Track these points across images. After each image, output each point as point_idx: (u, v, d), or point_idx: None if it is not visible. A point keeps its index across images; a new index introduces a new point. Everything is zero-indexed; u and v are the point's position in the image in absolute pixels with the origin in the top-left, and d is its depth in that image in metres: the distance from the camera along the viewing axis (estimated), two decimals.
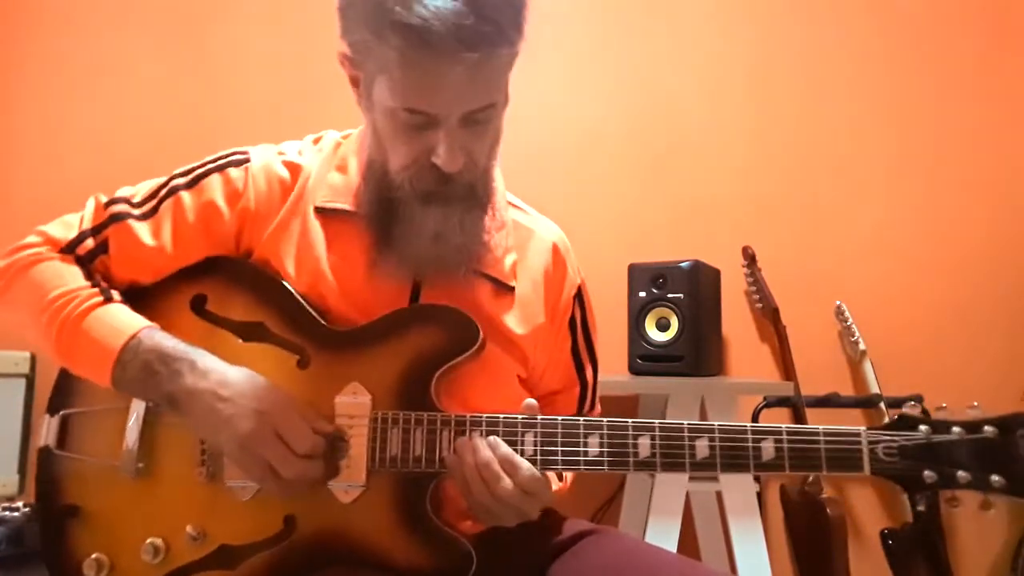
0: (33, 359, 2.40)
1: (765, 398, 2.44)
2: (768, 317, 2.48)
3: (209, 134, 2.61)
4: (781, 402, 2.42)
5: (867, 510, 2.49)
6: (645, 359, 2.17)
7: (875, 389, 2.43)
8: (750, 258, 2.52)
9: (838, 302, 2.52)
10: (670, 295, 2.16)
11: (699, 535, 2.30)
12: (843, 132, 2.65)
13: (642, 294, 2.19)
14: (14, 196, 2.62)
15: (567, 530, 1.24)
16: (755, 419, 2.43)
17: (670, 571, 1.12)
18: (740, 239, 2.55)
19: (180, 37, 2.75)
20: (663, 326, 2.17)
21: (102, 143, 2.67)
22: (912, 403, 1.05)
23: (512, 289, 1.23)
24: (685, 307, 2.15)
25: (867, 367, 2.45)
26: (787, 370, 2.41)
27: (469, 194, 1.12)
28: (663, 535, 1.97)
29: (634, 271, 2.22)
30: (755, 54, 2.69)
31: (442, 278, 1.16)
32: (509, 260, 1.25)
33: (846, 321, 2.50)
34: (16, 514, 1.94)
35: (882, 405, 2.40)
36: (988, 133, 2.61)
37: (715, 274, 2.37)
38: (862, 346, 2.47)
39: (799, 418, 2.35)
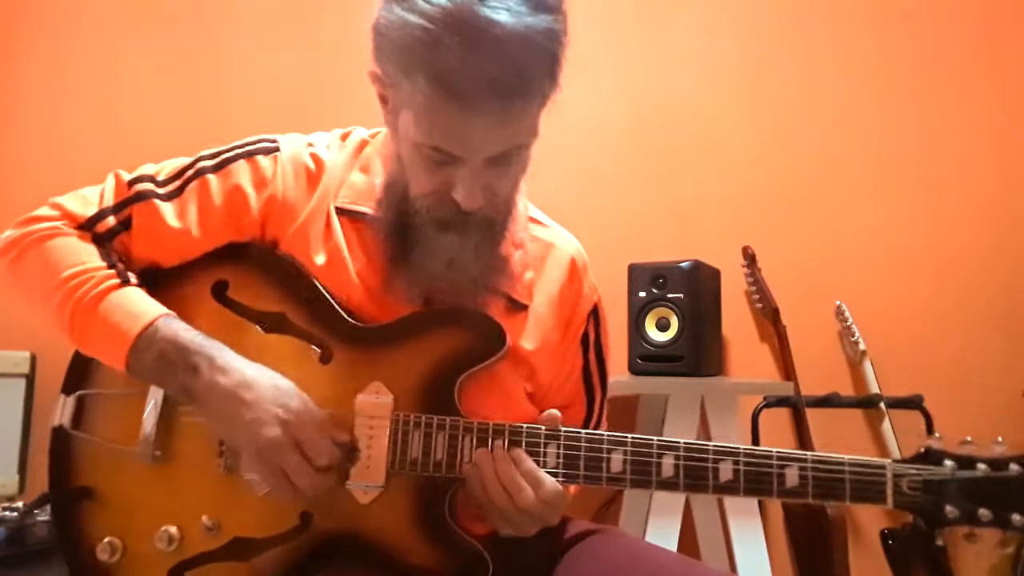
0: (33, 359, 2.39)
1: (765, 398, 2.44)
2: (768, 317, 2.49)
3: (210, 134, 2.58)
4: (781, 402, 2.42)
5: (867, 510, 2.48)
6: (645, 359, 2.17)
7: (875, 389, 2.43)
8: (750, 258, 2.52)
9: (838, 302, 2.52)
10: (670, 295, 2.16)
11: (699, 535, 2.30)
12: (842, 132, 2.65)
13: (642, 294, 2.19)
14: (15, 197, 2.61)
15: (569, 530, 1.24)
16: (755, 419, 2.43)
17: (671, 571, 1.12)
18: (740, 239, 2.55)
19: (181, 37, 2.75)
20: (663, 326, 2.17)
21: (103, 143, 2.66)
22: (937, 436, 1.04)
23: (526, 307, 1.21)
24: (685, 307, 2.14)
25: (867, 367, 2.46)
26: (787, 370, 2.41)
27: (487, 225, 1.10)
28: (663, 535, 1.98)
29: (634, 271, 2.22)
30: (755, 55, 2.70)
31: (452, 300, 1.14)
32: (526, 278, 1.22)
33: (846, 321, 2.50)
34: (16, 514, 1.93)
35: (882, 405, 2.41)
36: (986, 132, 2.62)
37: (715, 274, 2.37)
38: (862, 346, 2.47)
39: (799, 418, 2.35)
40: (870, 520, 2.47)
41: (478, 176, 1.02)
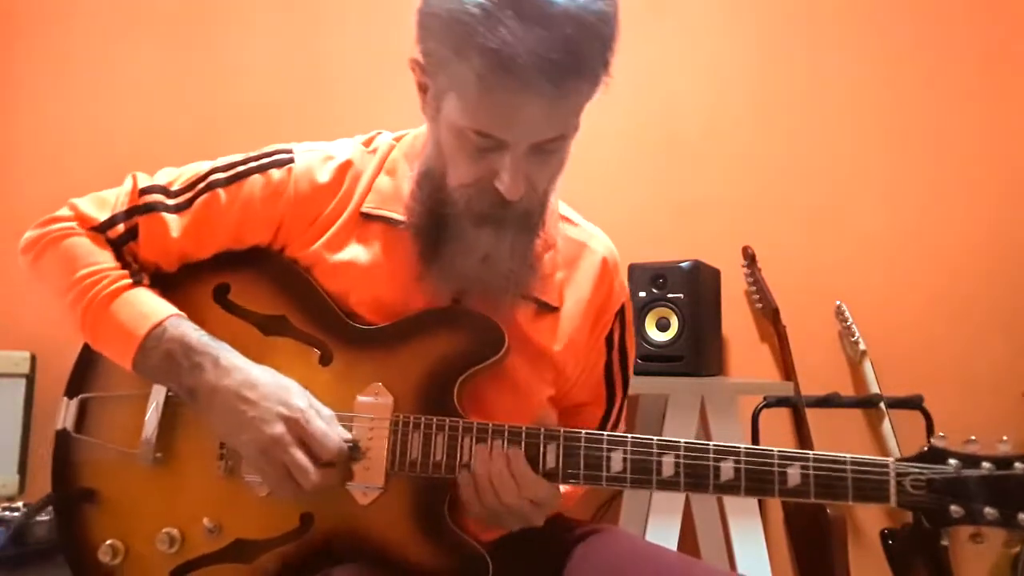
0: (33, 359, 2.39)
1: (765, 398, 2.44)
2: (768, 317, 2.49)
3: (212, 135, 2.60)
4: (781, 402, 2.42)
5: (867, 510, 2.48)
6: (645, 359, 2.17)
7: (875, 389, 2.43)
8: (750, 258, 2.52)
9: (838, 302, 2.52)
10: (670, 295, 2.17)
11: (699, 535, 2.30)
12: (843, 132, 2.65)
13: (642, 294, 2.19)
14: (16, 197, 2.60)
15: (571, 530, 1.24)
16: (755, 420, 2.42)
17: (673, 570, 1.12)
18: (740, 239, 2.55)
19: (182, 37, 2.75)
20: (663, 326, 2.18)
21: (104, 144, 2.66)
22: (941, 435, 1.02)
23: (556, 309, 1.21)
24: (685, 307, 2.15)
25: (867, 367, 2.46)
26: (787, 370, 2.41)
27: (523, 219, 1.10)
28: (663, 535, 1.97)
29: (634, 271, 2.22)
30: (756, 54, 2.70)
31: (484, 298, 1.13)
32: (557, 278, 1.22)
33: (846, 321, 2.50)
34: (16, 514, 1.93)
35: (882, 405, 2.41)
36: (988, 133, 2.62)
37: (715, 274, 2.37)
38: (862, 346, 2.47)
39: (799, 418, 2.35)
40: (870, 520, 2.47)
41: (521, 164, 1.01)
